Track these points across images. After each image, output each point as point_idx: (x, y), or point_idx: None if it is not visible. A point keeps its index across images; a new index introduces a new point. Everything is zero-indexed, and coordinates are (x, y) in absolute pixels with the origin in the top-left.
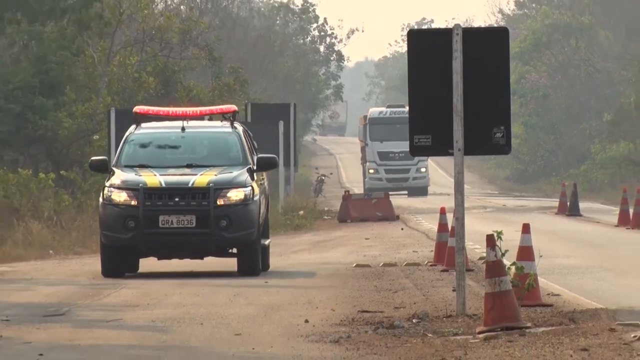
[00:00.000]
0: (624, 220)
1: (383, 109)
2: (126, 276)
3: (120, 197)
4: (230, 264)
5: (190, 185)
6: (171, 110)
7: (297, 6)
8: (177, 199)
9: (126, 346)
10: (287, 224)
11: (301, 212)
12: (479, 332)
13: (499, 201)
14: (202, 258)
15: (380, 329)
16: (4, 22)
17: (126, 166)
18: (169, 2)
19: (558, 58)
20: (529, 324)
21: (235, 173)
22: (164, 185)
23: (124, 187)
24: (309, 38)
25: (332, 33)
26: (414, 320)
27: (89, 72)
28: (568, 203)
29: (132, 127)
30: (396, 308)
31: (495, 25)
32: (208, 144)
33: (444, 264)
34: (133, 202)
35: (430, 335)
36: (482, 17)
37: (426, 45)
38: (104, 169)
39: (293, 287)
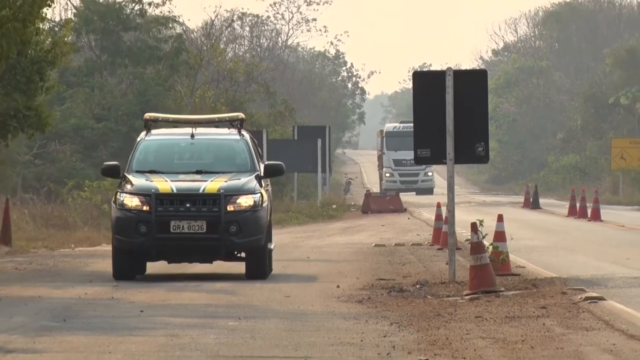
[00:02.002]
0: (572, 212)
1: (397, 124)
2: (138, 278)
3: (132, 202)
4: (237, 267)
5: (201, 191)
6: (180, 117)
7: (331, 54)
8: (188, 205)
9: (205, 305)
10: (324, 215)
11: (334, 206)
12: (465, 295)
13: (480, 198)
14: (211, 262)
15: (393, 292)
16: (115, 66)
17: (137, 172)
18: (237, 51)
19: (524, 92)
20: (502, 289)
21: (244, 180)
22: (175, 191)
23: (136, 192)
24: (340, 78)
25: (357, 74)
26: (417, 286)
27: (178, 103)
28: (531, 199)
29: (143, 133)
30: (404, 277)
31: (477, 68)
32: (216, 150)
33: (440, 244)
34: (145, 208)
35: (429, 297)
36: (468, 62)
37: (426, 83)
38: (116, 174)
39: (328, 261)
